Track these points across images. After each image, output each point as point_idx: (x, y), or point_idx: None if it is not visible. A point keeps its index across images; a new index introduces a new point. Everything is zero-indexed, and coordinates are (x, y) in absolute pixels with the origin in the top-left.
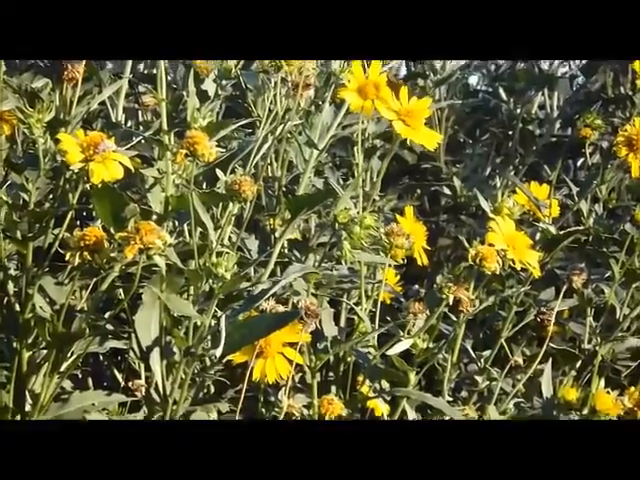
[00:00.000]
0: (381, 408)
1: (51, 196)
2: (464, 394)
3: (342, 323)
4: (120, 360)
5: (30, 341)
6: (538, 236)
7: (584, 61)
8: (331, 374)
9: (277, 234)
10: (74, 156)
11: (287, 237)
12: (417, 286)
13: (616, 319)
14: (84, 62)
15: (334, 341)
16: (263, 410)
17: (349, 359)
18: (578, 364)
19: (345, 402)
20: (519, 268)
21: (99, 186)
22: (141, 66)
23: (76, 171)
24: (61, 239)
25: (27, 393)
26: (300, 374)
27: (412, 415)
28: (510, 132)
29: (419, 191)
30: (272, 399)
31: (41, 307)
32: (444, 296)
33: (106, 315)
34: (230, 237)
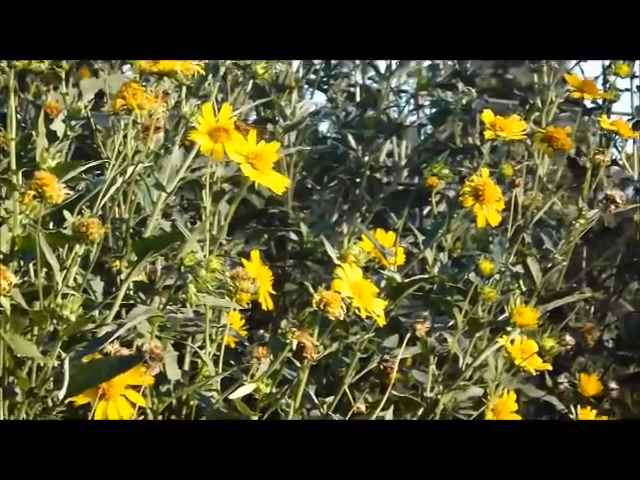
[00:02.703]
0: None
1: None
2: None
3: (186, 366)
4: None
5: None
6: (383, 283)
7: (433, 110)
8: (174, 417)
9: (123, 276)
10: None
11: (133, 279)
12: (262, 331)
13: (459, 368)
14: None
15: (177, 384)
16: None
17: (192, 402)
18: (420, 412)
19: None
20: (364, 316)
21: None
22: None
23: None
24: None
25: None
26: (142, 417)
27: None
28: (358, 179)
29: (266, 236)
30: None
31: None
32: (288, 341)
33: None
34: (76, 278)
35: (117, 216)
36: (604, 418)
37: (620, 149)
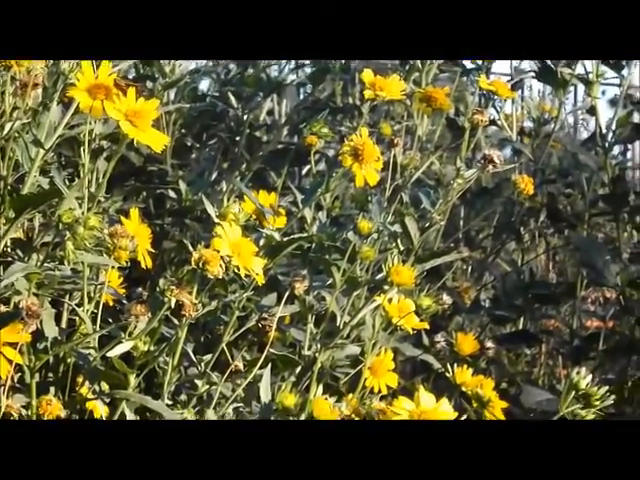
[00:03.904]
0: (100, 409)
1: None
2: (184, 397)
3: (63, 324)
4: None
5: None
6: (262, 242)
7: (313, 69)
8: (50, 375)
9: (0, 233)
10: None
11: (10, 236)
12: (140, 288)
13: (336, 326)
14: None
15: (54, 342)
16: None
17: (69, 360)
18: (298, 370)
19: (64, 403)
20: (243, 275)
21: None
22: None
23: None
24: None
25: None
26: (19, 374)
27: (131, 417)
28: (237, 137)
29: (145, 193)
30: None
31: None
32: (166, 299)
33: None
34: None
35: None
36: (480, 377)
37: (499, 109)
